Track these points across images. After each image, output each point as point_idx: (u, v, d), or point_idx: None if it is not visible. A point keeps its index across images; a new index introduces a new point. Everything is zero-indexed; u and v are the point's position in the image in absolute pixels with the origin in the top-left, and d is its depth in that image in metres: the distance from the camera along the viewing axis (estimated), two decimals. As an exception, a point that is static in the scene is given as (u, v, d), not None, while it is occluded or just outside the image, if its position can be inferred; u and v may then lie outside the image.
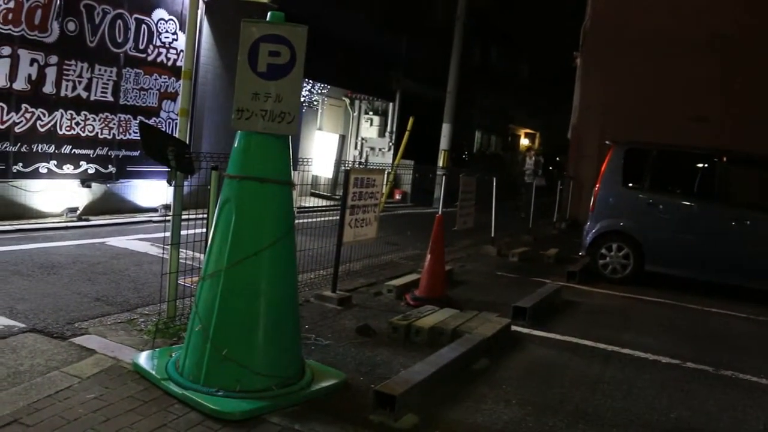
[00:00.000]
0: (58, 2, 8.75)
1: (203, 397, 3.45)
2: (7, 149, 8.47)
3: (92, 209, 9.81)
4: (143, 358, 3.94)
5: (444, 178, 10.72)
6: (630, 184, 9.12)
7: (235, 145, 3.79)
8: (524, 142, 34.86)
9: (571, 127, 16.53)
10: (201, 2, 4.76)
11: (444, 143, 18.74)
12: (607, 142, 9.78)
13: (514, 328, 5.78)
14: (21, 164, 8.68)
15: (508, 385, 4.48)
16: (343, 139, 19.22)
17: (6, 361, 3.93)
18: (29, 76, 8.56)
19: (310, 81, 15.74)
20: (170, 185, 4.65)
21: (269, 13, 3.82)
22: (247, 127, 3.73)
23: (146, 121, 10.09)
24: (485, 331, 5.10)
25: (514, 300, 6.52)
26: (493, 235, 10.71)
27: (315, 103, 16.98)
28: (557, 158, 31.43)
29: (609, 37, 15.14)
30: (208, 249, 3.82)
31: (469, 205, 9.97)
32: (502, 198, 11.41)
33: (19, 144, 8.59)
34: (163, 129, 10.44)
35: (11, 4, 8.18)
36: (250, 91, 3.73)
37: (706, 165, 9.11)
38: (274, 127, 3.70)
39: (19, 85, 8.46)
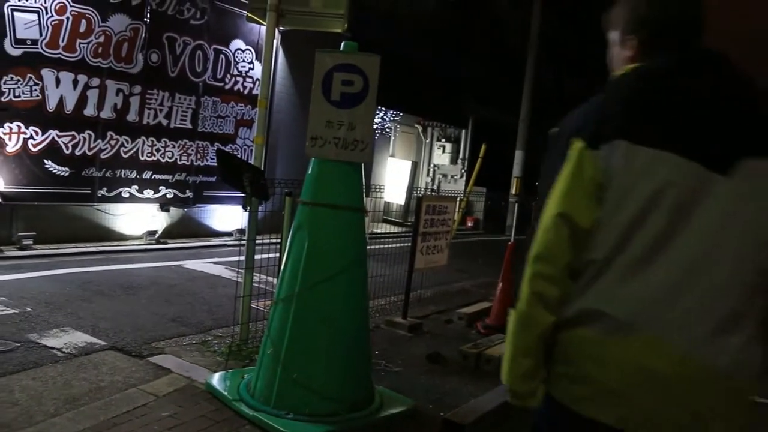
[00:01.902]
0: (143, 35, 9.17)
1: (273, 419, 3.50)
2: (93, 174, 8.87)
3: (170, 232, 10.13)
4: (216, 379, 4.03)
5: (516, 205, 10.62)
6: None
7: (309, 172, 3.87)
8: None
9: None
10: (276, 32, 4.92)
11: (517, 170, 18.58)
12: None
13: (586, 359, 5.64)
14: (105, 189, 9.07)
15: None
16: (415, 165, 19.30)
17: (88, 376, 4.10)
18: (115, 105, 8.97)
19: (383, 109, 15.92)
20: (245, 210, 4.77)
21: (342, 43, 3.91)
22: (320, 155, 3.81)
23: (223, 148, 10.40)
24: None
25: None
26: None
27: (387, 130, 17.16)
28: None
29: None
30: (281, 273, 3.89)
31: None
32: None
33: (104, 170, 8.99)
34: (239, 156, 10.73)
35: (101, 39, 8.62)
36: (323, 120, 3.81)
37: None
38: (347, 154, 3.77)
39: (106, 113, 8.87)
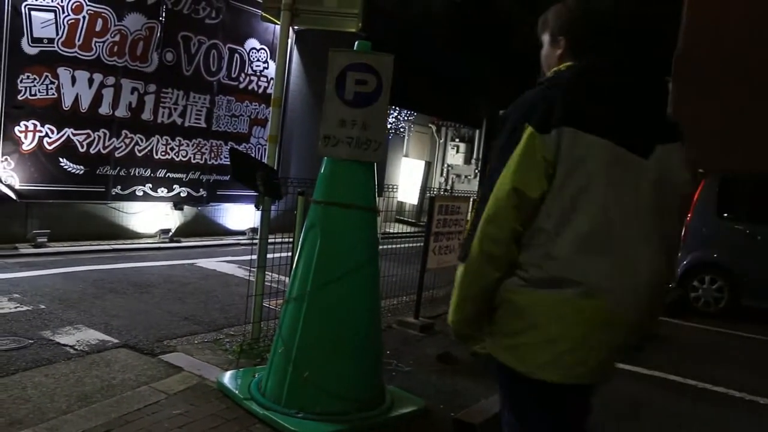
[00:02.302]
0: (158, 34, 9.21)
1: (283, 418, 3.49)
2: (108, 173, 8.92)
3: (183, 231, 10.17)
4: (227, 378, 4.03)
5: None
6: (725, 215, 8.75)
7: (322, 171, 3.86)
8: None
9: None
10: (291, 32, 4.91)
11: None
12: (700, 170, 9.44)
13: (599, 361, 5.60)
14: (119, 187, 9.12)
15: (592, 418, 4.33)
16: (428, 165, 19.28)
17: (101, 374, 4.11)
18: (130, 103, 9.01)
19: (397, 108, 15.90)
20: (258, 209, 4.78)
21: (356, 42, 3.90)
22: (333, 154, 3.80)
23: (237, 147, 10.43)
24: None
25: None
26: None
27: (401, 130, 17.14)
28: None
29: (703, 63, 14.65)
30: (293, 273, 3.89)
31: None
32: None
33: (118, 168, 9.04)
34: (253, 154, 10.76)
35: (117, 38, 8.66)
36: (336, 119, 3.80)
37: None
38: (360, 154, 3.75)
39: (121, 112, 8.91)
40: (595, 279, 1.87)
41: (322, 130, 3.83)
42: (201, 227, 10.58)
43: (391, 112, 15.35)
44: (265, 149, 10.95)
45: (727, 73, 14.17)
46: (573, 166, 1.88)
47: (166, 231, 9.80)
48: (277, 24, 5.09)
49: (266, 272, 4.87)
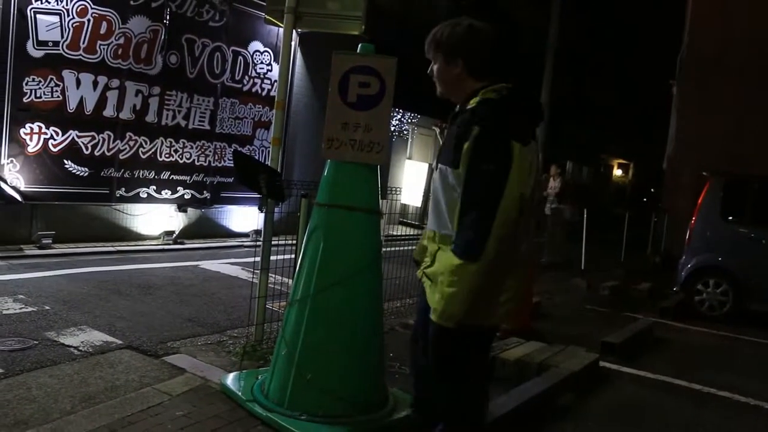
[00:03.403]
0: (162, 37, 9.24)
1: (286, 420, 3.50)
2: (112, 175, 8.95)
3: (187, 233, 10.20)
4: (230, 379, 4.04)
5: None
6: (729, 218, 8.74)
7: (325, 173, 3.86)
8: (617, 172, 34.03)
9: (667, 157, 16.01)
10: (294, 34, 4.94)
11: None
12: (704, 173, 9.42)
13: (602, 364, 5.60)
14: (124, 189, 9.15)
15: (594, 422, 4.34)
16: (432, 168, 19.24)
17: (104, 375, 4.13)
18: (134, 106, 9.05)
19: (400, 111, 15.90)
20: (261, 211, 4.79)
21: (360, 45, 3.91)
22: (336, 157, 3.81)
23: (240, 149, 10.45)
24: (572, 365, 4.97)
25: (604, 335, 6.32)
26: (583, 267, 10.46)
27: (405, 132, 17.14)
28: (651, 189, 30.50)
29: (707, 65, 14.63)
30: (296, 275, 3.89)
31: (561, 237, 9.79)
32: (593, 230, 11.15)
33: (122, 170, 9.07)
34: (256, 157, 10.78)
35: (121, 41, 8.70)
36: (339, 121, 3.80)
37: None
38: (363, 156, 3.76)
39: (125, 114, 8.95)
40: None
41: (326, 133, 3.83)
42: (205, 229, 10.60)
43: (395, 114, 15.34)
44: (268, 152, 10.93)
45: (732, 75, 14.14)
46: (531, 166, 2.58)
47: (169, 233, 9.82)
48: (281, 27, 5.10)
49: (269, 274, 4.88)
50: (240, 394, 3.84)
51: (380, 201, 3.93)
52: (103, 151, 8.79)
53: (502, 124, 2.57)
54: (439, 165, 2.77)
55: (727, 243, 8.70)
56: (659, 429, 4.42)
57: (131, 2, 8.75)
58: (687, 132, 15.05)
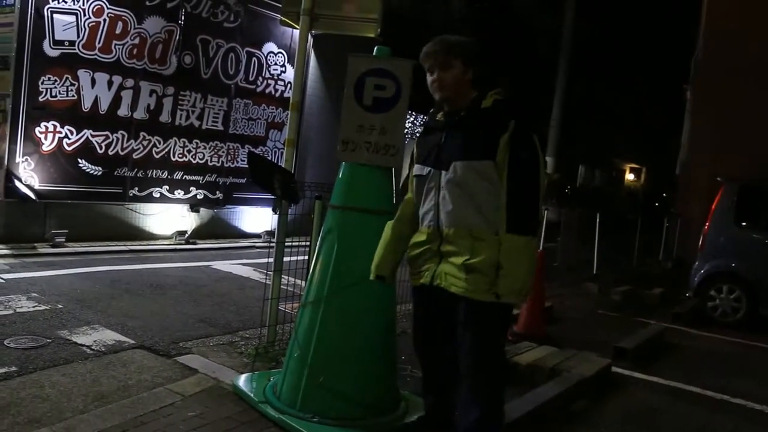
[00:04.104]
0: (177, 37, 9.27)
1: (298, 422, 3.49)
2: (126, 174, 8.99)
3: (199, 233, 10.22)
4: (242, 381, 4.04)
5: (546, 212, 10.54)
6: (743, 223, 8.67)
7: (340, 175, 3.86)
8: (630, 177, 33.86)
9: (680, 162, 15.91)
10: (309, 36, 4.95)
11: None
12: (718, 178, 9.35)
13: (614, 369, 5.56)
14: (137, 188, 9.19)
15: (606, 428, 4.31)
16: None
17: (117, 374, 4.14)
18: (148, 106, 9.09)
19: (413, 113, 15.91)
20: (275, 213, 4.79)
21: (376, 48, 3.90)
22: (351, 159, 3.80)
23: (254, 150, 10.47)
24: (584, 370, 4.94)
25: (616, 340, 6.28)
26: (595, 272, 10.41)
27: (418, 134, 17.13)
28: (664, 194, 30.34)
29: (722, 69, 14.51)
30: (309, 277, 3.89)
31: (573, 241, 9.75)
32: (605, 234, 11.10)
33: (136, 170, 9.11)
34: (270, 158, 10.79)
35: (137, 40, 8.74)
36: (355, 124, 3.81)
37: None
38: (378, 159, 3.76)
39: (139, 114, 8.99)
40: None
41: (341, 135, 3.83)
42: (217, 229, 10.63)
43: (409, 116, 15.35)
44: (281, 153, 10.99)
45: (747, 78, 14.03)
46: None
47: (182, 233, 9.85)
48: (296, 28, 5.10)
49: (282, 276, 4.87)
50: (252, 395, 3.84)
51: (394, 203, 3.92)
52: (117, 151, 8.83)
53: (527, 119, 2.89)
54: (464, 162, 2.88)
55: (740, 249, 8.63)
56: (672, 436, 4.38)
57: (147, 2, 8.80)
58: (701, 137, 14.95)
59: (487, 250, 2.79)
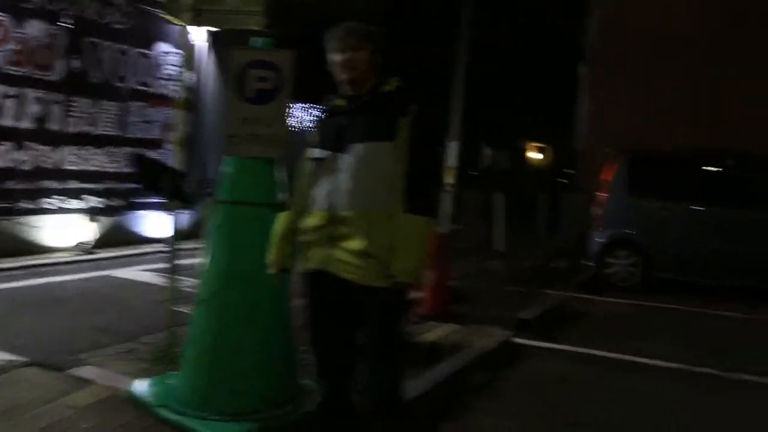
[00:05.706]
0: (63, 41, 8.89)
1: (197, 422, 3.44)
2: (13, 187, 8.56)
3: (100, 242, 9.85)
4: (140, 386, 3.93)
5: (451, 195, 10.70)
6: (636, 192, 9.07)
7: (226, 170, 3.82)
8: (535, 156, 34.76)
9: (580, 138, 16.49)
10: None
11: (451, 161, 18.66)
12: (609, 151, 9.75)
13: (519, 340, 5.73)
14: (28, 201, 8.76)
15: (508, 398, 4.44)
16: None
17: (6, 394, 3.95)
18: (35, 114, 8.68)
19: (299, 103, 15.78)
20: (169, 215, 4.69)
21: (259, 40, 3.87)
22: (237, 152, 3.77)
23: (140, 152, 10.12)
24: (485, 344, 5.08)
25: (520, 313, 6.46)
26: (500, 250, 10.65)
27: (314, 122, 17.03)
28: (568, 171, 31.33)
29: (615, 44, 15.09)
30: (202, 275, 3.83)
31: (479, 222, 9.94)
32: (513, 213, 11.37)
33: (25, 181, 8.68)
34: (168, 160, 10.50)
35: (18, 46, 8.32)
36: (239, 117, 3.77)
37: (713, 169, 9.05)
38: (263, 150, 3.74)
39: (25, 123, 8.57)
40: None
41: (226, 130, 3.79)
42: (119, 237, 10.27)
43: (308, 108, 15.24)
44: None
45: (641, 52, 14.61)
46: None
47: (81, 243, 9.48)
48: (178, 24, 5.01)
49: (185, 278, 4.77)
50: (150, 400, 3.75)
51: (285, 195, 3.89)
52: (3, 163, 8.40)
53: (428, 103, 3.00)
54: (364, 144, 2.88)
55: (634, 216, 9.05)
56: (572, 397, 4.54)
57: (25, 5, 8.36)
58: (598, 114, 15.52)
59: (382, 233, 2.79)
